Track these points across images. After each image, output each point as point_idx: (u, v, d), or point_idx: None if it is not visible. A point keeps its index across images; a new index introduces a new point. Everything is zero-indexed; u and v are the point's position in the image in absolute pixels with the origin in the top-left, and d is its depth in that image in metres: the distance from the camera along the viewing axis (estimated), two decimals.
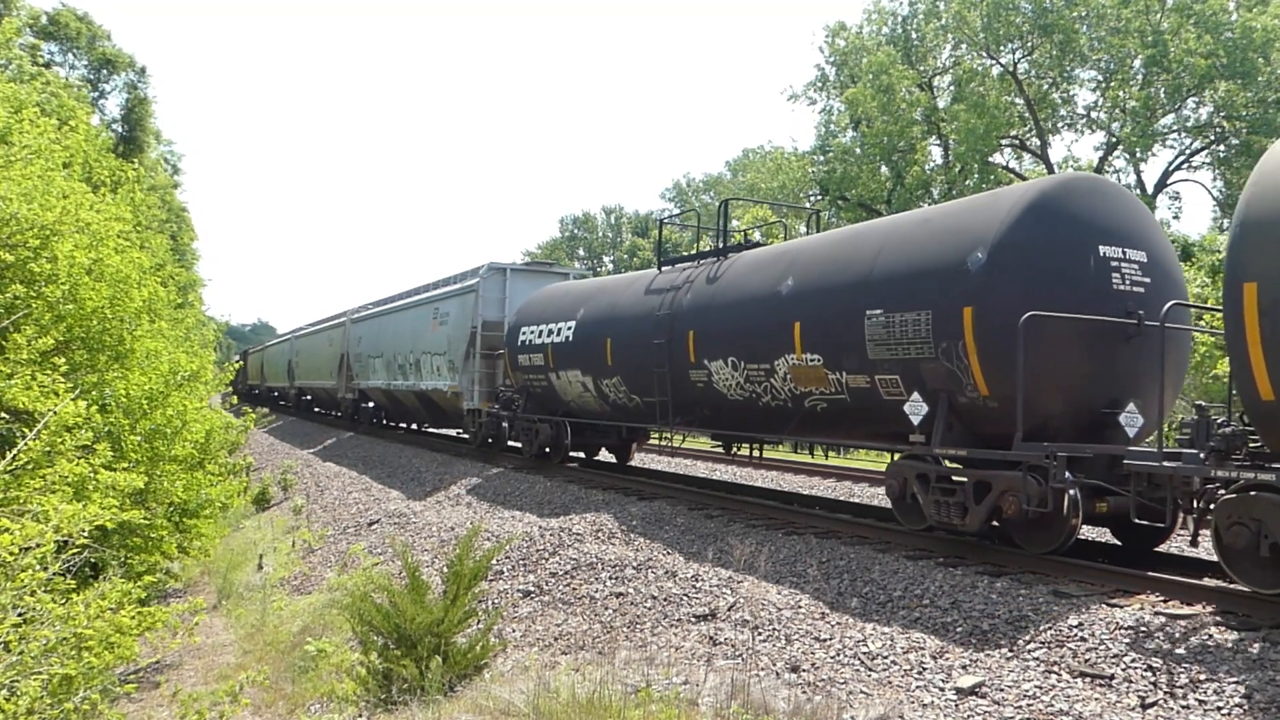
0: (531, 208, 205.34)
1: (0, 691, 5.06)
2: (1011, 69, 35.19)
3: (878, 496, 13.62)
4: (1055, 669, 6.01)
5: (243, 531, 18.24)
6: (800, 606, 7.85)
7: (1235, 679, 5.42)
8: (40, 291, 9.18)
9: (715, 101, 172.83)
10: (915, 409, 8.70)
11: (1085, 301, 7.83)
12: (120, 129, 37.84)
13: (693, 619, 8.17)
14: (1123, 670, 5.81)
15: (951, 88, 37.35)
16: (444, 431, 25.45)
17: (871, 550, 8.99)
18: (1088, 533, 9.26)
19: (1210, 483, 6.70)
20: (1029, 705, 5.64)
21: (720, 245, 12.94)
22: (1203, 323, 16.46)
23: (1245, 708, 5.17)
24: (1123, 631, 6.23)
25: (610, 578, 9.63)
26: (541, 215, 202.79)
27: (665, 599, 8.73)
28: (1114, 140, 34.86)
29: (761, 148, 60.56)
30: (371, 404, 29.46)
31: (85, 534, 6.00)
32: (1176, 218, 50.21)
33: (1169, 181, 35.88)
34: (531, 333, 15.95)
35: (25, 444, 6.54)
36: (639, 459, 18.99)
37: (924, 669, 6.38)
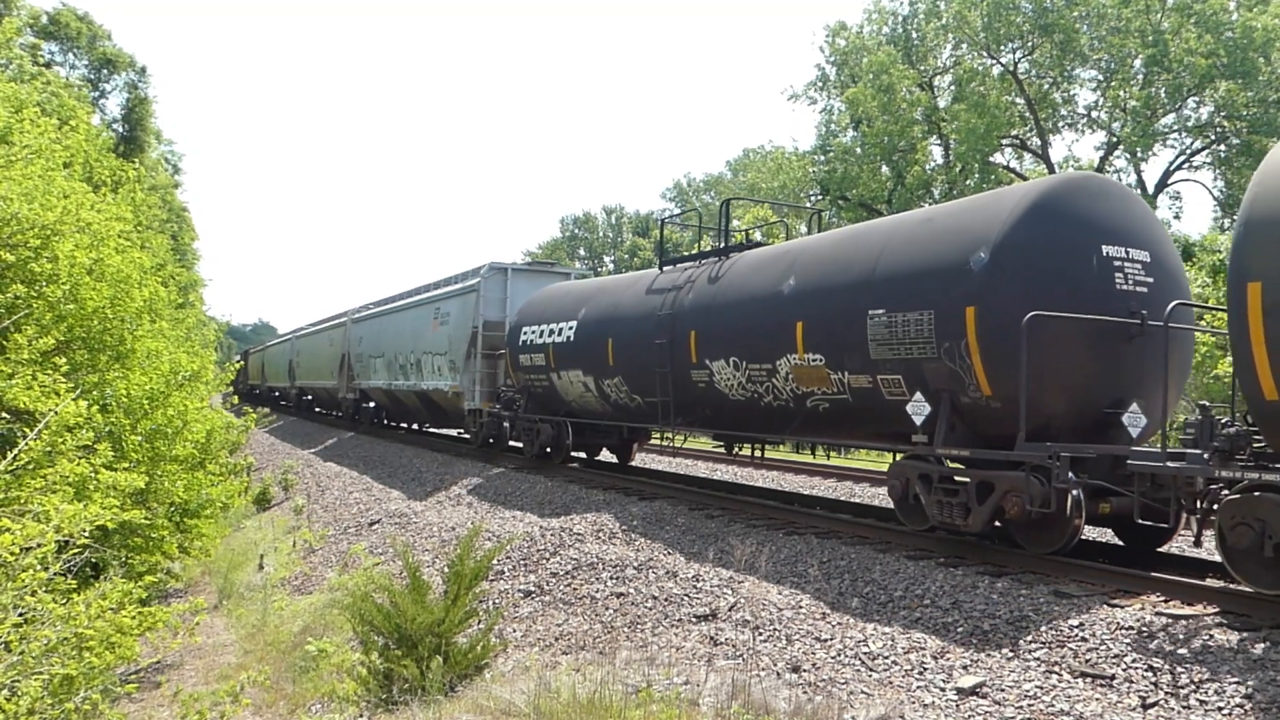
0: (531, 208, 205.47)
1: (1, 691, 5.06)
2: (1012, 69, 35.17)
3: (878, 496, 13.61)
4: (1056, 669, 6.01)
5: (243, 531, 18.24)
6: (801, 606, 7.85)
7: (1236, 679, 5.41)
8: (41, 291, 9.18)
9: (715, 101, 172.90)
10: (918, 409, 8.69)
11: (1088, 301, 7.82)
12: (120, 129, 37.84)
13: (693, 619, 8.17)
14: (1123, 670, 5.80)
15: (952, 87, 37.33)
16: (445, 432, 25.45)
17: (872, 550, 8.99)
18: (1090, 533, 9.25)
19: (1214, 483, 6.69)
20: (1030, 705, 5.64)
21: (722, 245, 12.93)
22: (1203, 323, 16.46)
23: (1246, 708, 5.16)
24: (1123, 632, 6.23)
25: (611, 578, 9.63)
26: (541, 215, 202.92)
27: (666, 599, 8.73)
28: (1114, 140, 34.84)
29: (762, 148, 60.59)
30: (372, 404, 29.46)
31: (86, 534, 5.99)
32: (1177, 218, 50.18)
33: (1169, 181, 35.88)
34: (533, 333, 15.95)
35: (26, 444, 6.54)
36: (639, 459, 18.98)
37: (925, 669, 6.38)
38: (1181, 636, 6.08)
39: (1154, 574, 7.26)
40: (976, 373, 8.03)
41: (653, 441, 17.42)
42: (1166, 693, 5.47)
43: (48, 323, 9.07)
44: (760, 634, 7.53)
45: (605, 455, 17.91)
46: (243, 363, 48.22)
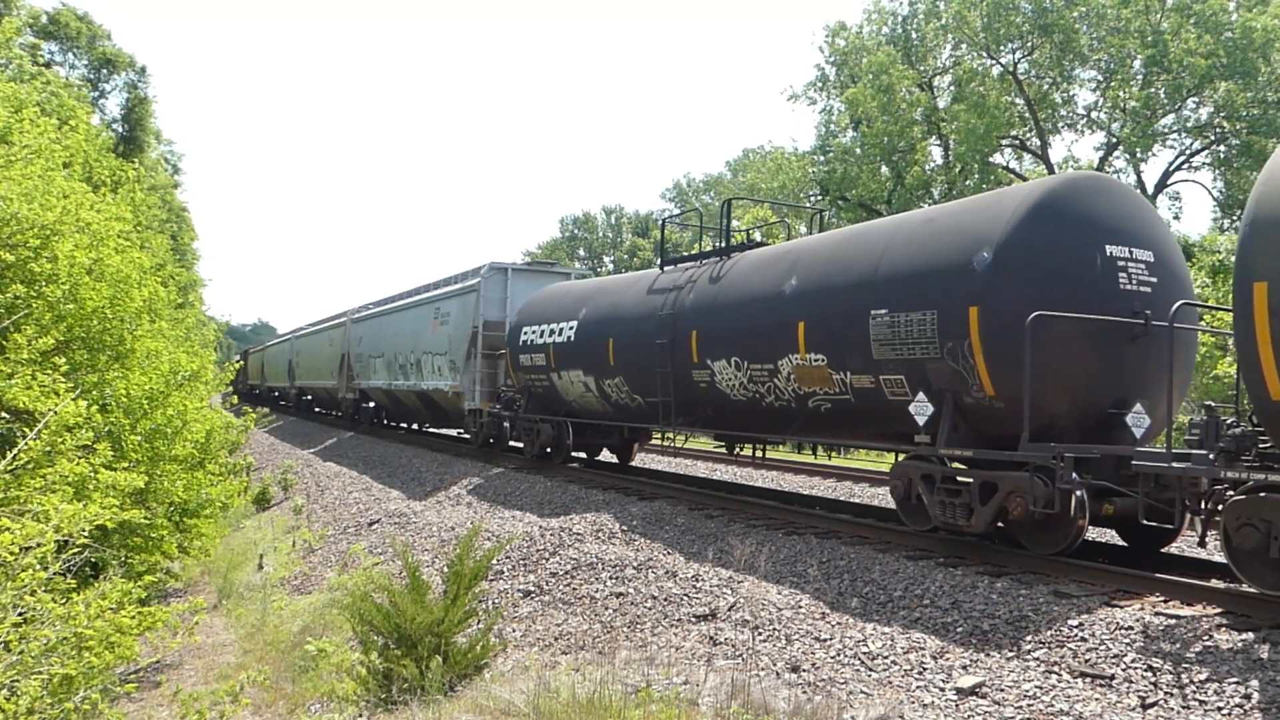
0: (531, 208, 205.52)
1: (0, 691, 5.06)
2: (1011, 69, 35.18)
3: (878, 496, 13.62)
4: (1055, 669, 6.01)
5: (243, 531, 18.24)
6: (800, 606, 7.84)
7: (1236, 679, 5.41)
8: (40, 291, 9.18)
9: (715, 101, 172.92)
10: (920, 409, 8.69)
11: (1091, 301, 7.81)
12: (120, 129, 37.83)
13: (693, 619, 8.17)
14: (1123, 670, 5.80)
15: (951, 88, 37.34)
16: (445, 432, 25.46)
17: (872, 550, 8.99)
18: (1093, 534, 9.24)
19: (1218, 484, 6.67)
20: (1029, 705, 5.64)
21: (723, 245, 12.92)
22: (1203, 323, 16.47)
23: (1246, 708, 5.16)
24: (1123, 632, 6.23)
25: (610, 578, 9.63)
26: (541, 215, 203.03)
27: (665, 599, 8.73)
28: (1114, 140, 34.85)
29: (761, 148, 60.60)
30: (372, 404, 29.46)
31: (85, 534, 5.99)
32: (1177, 218, 50.11)
33: (1169, 182, 35.89)
34: (533, 332, 15.95)
35: (25, 444, 6.54)
36: (639, 459, 18.98)
37: (924, 669, 6.38)
38: (1181, 637, 6.07)
39: (1154, 574, 7.26)
40: (979, 373, 8.02)
41: (653, 442, 17.41)
42: (1166, 693, 5.47)
43: (47, 323, 9.07)
44: (760, 634, 7.53)
45: (606, 455, 17.91)
46: (242, 363, 48.18)
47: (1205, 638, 6.01)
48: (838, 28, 39.77)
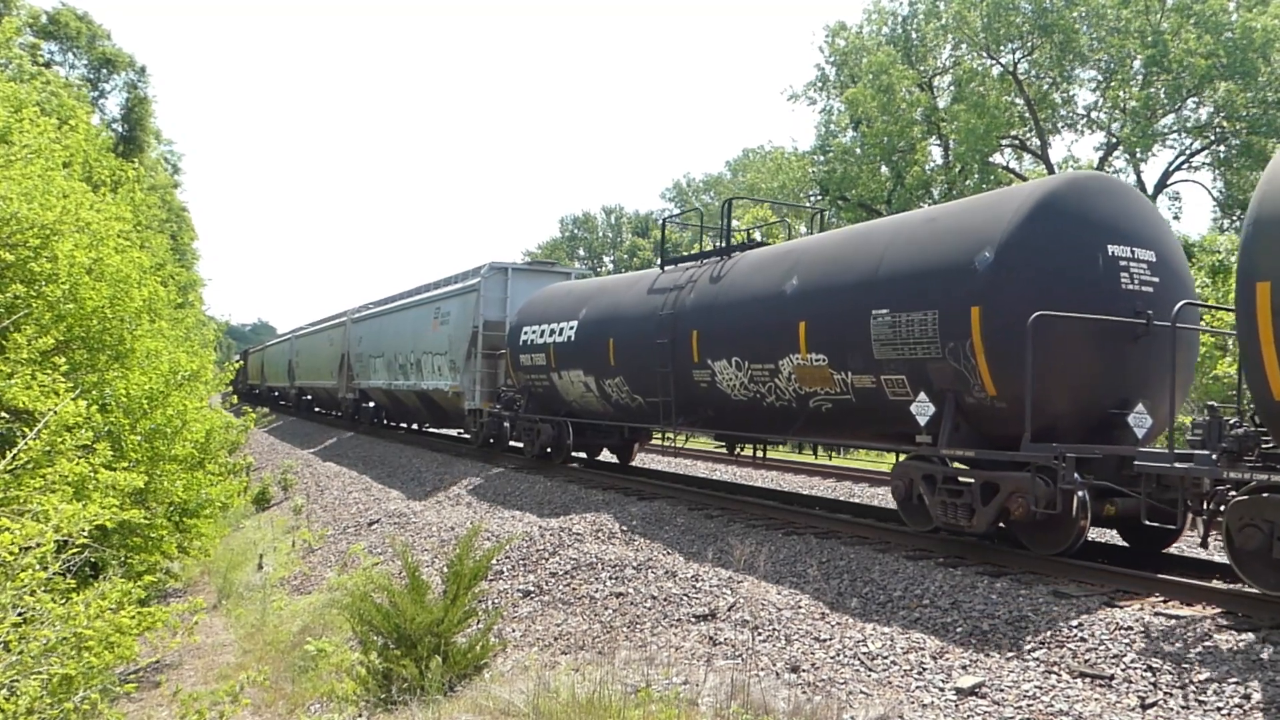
0: (531, 208, 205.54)
1: (0, 691, 5.06)
2: (1011, 69, 35.17)
3: (878, 497, 13.62)
4: (1055, 669, 6.01)
5: (243, 531, 18.23)
6: (800, 606, 7.84)
7: (1236, 679, 5.41)
8: (40, 291, 9.18)
9: (715, 101, 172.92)
10: (922, 409, 8.68)
11: (1093, 301, 7.79)
12: (120, 128, 37.83)
13: (693, 619, 8.16)
14: (1122, 670, 5.80)
15: (951, 88, 37.33)
16: (445, 431, 25.45)
17: (871, 550, 8.98)
18: (1094, 534, 9.24)
19: (1220, 484, 6.65)
20: (1029, 705, 5.64)
21: (724, 244, 12.92)
22: (1203, 323, 16.46)
23: (1245, 708, 5.16)
24: (1123, 632, 6.23)
25: (610, 578, 9.62)
26: (541, 215, 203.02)
27: (665, 599, 8.73)
28: (1114, 140, 34.84)
29: (761, 148, 60.57)
30: (372, 404, 29.45)
31: (85, 534, 5.99)
32: (1177, 218, 50.09)
33: (1169, 182, 35.88)
34: (533, 332, 15.94)
35: (25, 444, 6.54)
36: (639, 459, 18.98)
37: (924, 669, 6.38)
38: (1181, 637, 6.07)
39: (1154, 574, 7.25)
40: (981, 373, 8.01)
41: (654, 442, 17.41)
42: (1166, 693, 5.47)
43: (47, 322, 9.07)
44: (759, 634, 7.53)
45: (606, 455, 17.91)
46: (242, 362, 48.16)
47: (1205, 638, 6.01)
48: (838, 28, 39.77)
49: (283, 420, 40.94)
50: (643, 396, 13.21)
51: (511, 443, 18.73)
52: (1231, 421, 6.54)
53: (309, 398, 40.13)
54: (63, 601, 5.70)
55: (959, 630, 6.85)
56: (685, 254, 14.56)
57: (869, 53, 37.58)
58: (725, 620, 7.97)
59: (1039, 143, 36.10)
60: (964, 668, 6.29)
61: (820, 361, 9.68)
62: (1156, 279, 8.15)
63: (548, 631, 8.90)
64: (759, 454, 12.99)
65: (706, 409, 12.08)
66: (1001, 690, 5.87)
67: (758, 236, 14.28)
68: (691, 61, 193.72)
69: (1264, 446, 6.37)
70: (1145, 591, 7.04)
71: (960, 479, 8.60)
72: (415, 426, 28.19)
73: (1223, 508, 6.58)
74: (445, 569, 8.38)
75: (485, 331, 18.94)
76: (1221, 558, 7.59)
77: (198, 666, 10.68)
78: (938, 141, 38.43)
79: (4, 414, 7.83)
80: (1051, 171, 34.28)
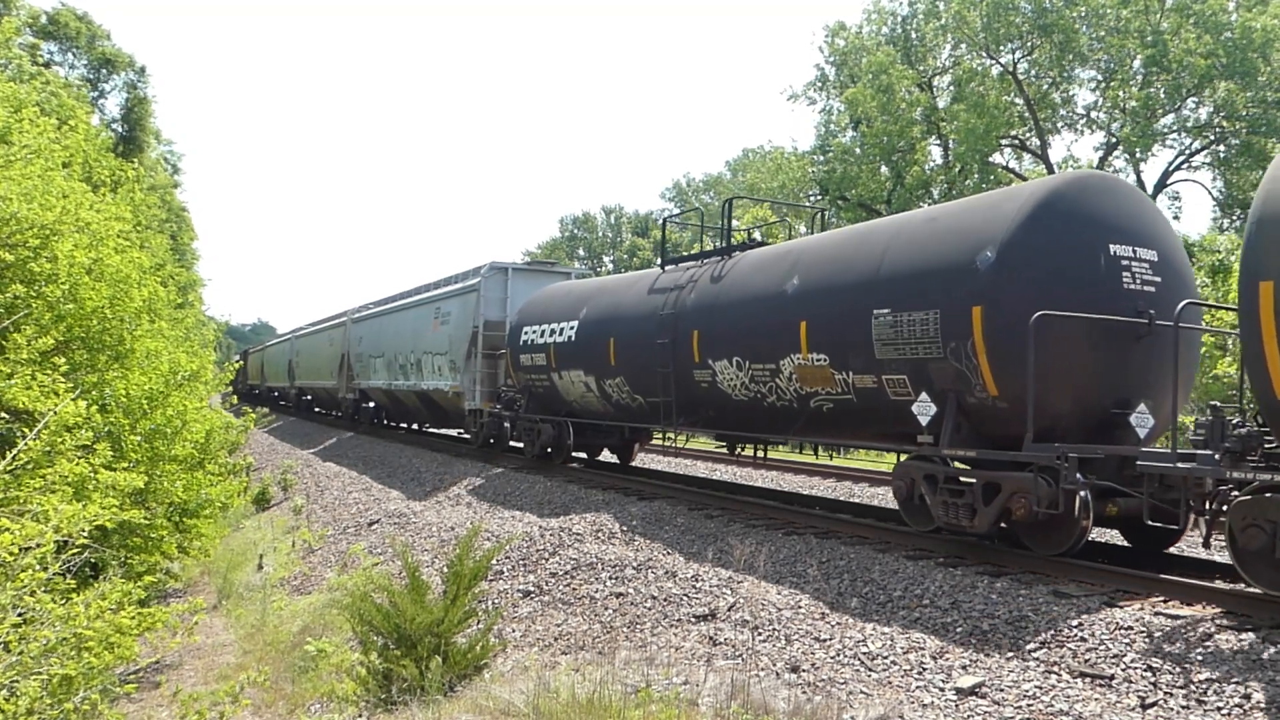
0: (531, 208, 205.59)
1: (0, 691, 5.06)
2: (1011, 69, 35.18)
3: (878, 496, 13.61)
4: (1055, 669, 6.01)
5: (243, 531, 18.23)
6: (800, 606, 7.84)
7: (1236, 679, 5.41)
8: (40, 291, 9.18)
9: (715, 101, 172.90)
10: (923, 409, 8.67)
11: (1095, 300, 7.78)
12: (120, 129, 37.82)
13: (693, 619, 8.16)
14: (1122, 670, 5.80)
15: (951, 88, 37.33)
16: (445, 432, 25.45)
17: (871, 550, 8.98)
18: (1095, 534, 9.24)
19: (1223, 484, 6.64)
20: (1029, 705, 5.64)
21: (724, 244, 12.91)
22: (1203, 322, 16.44)
23: (1245, 708, 5.16)
24: (1123, 632, 6.23)
25: (610, 578, 9.62)
26: (541, 215, 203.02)
27: (665, 599, 8.73)
28: (1114, 140, 34.84)
29: (761, 148, 60.54)
30: (372, 404, 29.45)
31: (85, 534, 5.99)
32: (1176, 218, 50.10)
33: (1169, 181, 35.88)
34: (534, 332, 15.94)
35: (25, 444, 6.54)
36: (639, 459, 18.99)
37: (924, 669, 6.37)
38: (1181, 637, 6.07)
39: (1154, 574, 7.25)
40: (983, 373, 8.00)
41: (654, 442, 17.40)
42: (1166, 693, 5.47)
43: (47, 323, 9.08)
44: (759, 634, 7.53)
45: (606, 455, 17.91)
46: (242, 363, 48.16)
47: (1206, 638, 6.00)
48: (837, 28, 39.77)
49: (283, 420, 40.94)
50: (643, 396, 13.20)
51: (512, 443, 18.72)
52: (1235, 421, 6.52)
53: (309, 398, 40.12)
54: (63, 602, 5.70)
55: (959, 630, 6.85)
56: (686, 254, 14.55)
57: (869, 53, 37.58)
58: (725, 620, 7.97)
59: (1039, 143, 36.10)
60: (964, 668, 6.29)
61: (821, 361, 9.67)
62: (1158, 278, 8.13)
63: (548, 631, 8.90)
64: (759, 454, 12.98)
65: (707, 409, 12.08)
66: (1001, 690, 5.87)
67: (758, 236, 14.28)
68: (691, 61, 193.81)
69: (1267, 446, 6.35)
70: (1145, 591, 7.03)
71: (962, 479, 8.59)
72: (415, 426, 28.19)
73: (1225, 508, 6.57)
74: (445, 569, 8.38)
75: (485, 331, 18.94)
76: (1223, 558, 7.59)
77: (198, 667, 10.67)
78: (937, 141, 38.44)
79: (4, 414, 7.83)
80: (1051, 171, 34.28)
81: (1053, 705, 5.57)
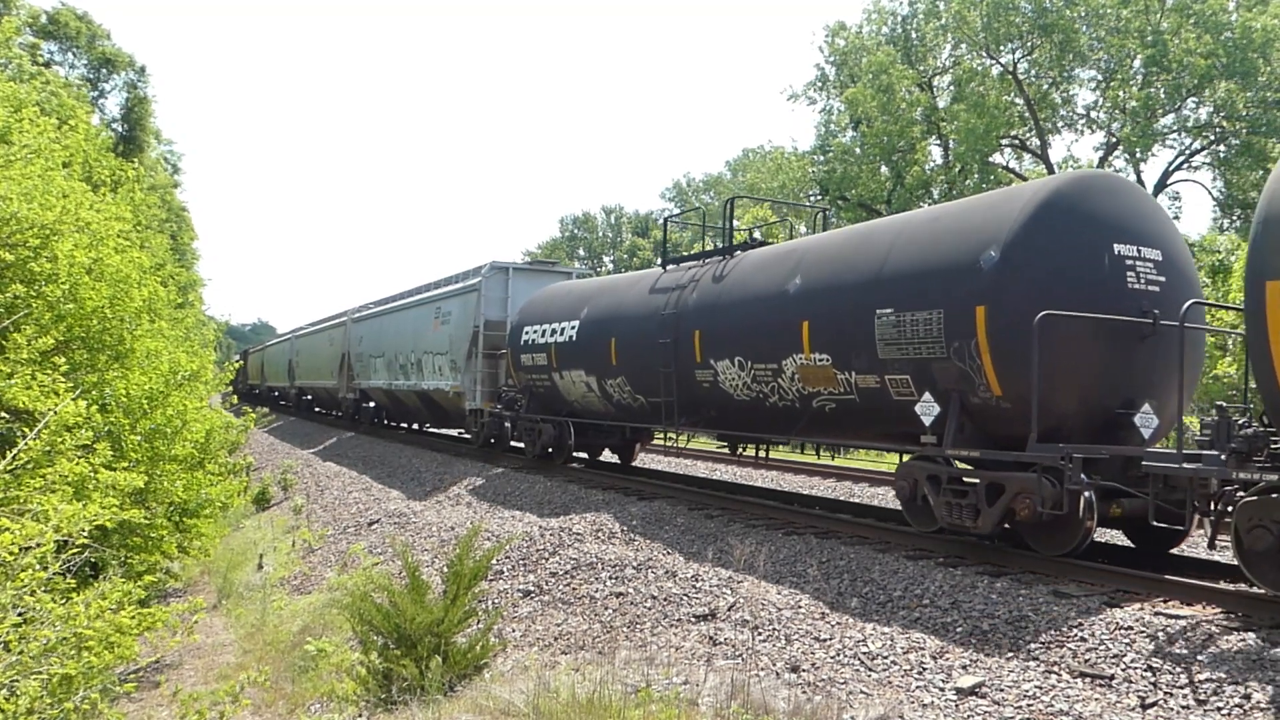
0: (531, 208, 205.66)
1: (0, 691, 5.05)
2: (1011, 69, 35.17)
3: (878, 496, 13.61)
4: (1055, 669, 6.00)
5: (243, 531, 18.23)
6: (800, 606, 7.84)
7: (1235, 679, 5.41)
8: (40, 291, 9.18)
9: (715, 101, 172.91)
10: (927, 409, 8.65)
11: (1100, 300, 7.76)
12: (120, 128, 37.81)
13: (693, 619, 8.16)
14: (1123, 670, 5.80)
15: (951, 88, 37.33)
16: (445, 432, 25.45)
17: (871, 550, 8.98)
18: (1098, 534, 9.23)
19: (1228, 485, 6.62)
20: (1029, 705, 5.63)
21: (726, 244, 12.89)
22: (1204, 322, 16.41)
23: (1245, 708, 5.16)
24: (1123, 632, 6.22)
25: (610, 578, 9.62)
26: (541, 215, 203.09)
27: (665, 599, 8.72)
28: (1114, 140, 34.83)
29: (761, 148, 60.55)
30: (372, 404, 29.45)
31: (85, 534, 5.99)
32: (1177, 218, 50.12)
33: (1169, 181, 35.87)
34: (534, 332, 15.93)
35: (25, 444, 6.54)
36: (639, 459, 18.98)
37: (924, 669, 6.37)
38: (1182, 636, 6.07)
39: (1154, 575, 7.24)
40: (986, 372, 7.98)
41: (655, 442, 17.40)
42: (1166, 693, 5.47)
43: (47, 322, 9.08)
44: (759, 634, 7.53)
45: (607, 455, 17.90)
46: (242, 362, 48.17)
47: (1206, 638, 6.00)
48: (837, 28, 39.77)
49: (283, 420, 40.94)
50: (645, 396, 13.20)
51: (512, 443, 18.72)
52: (1240, 422, 6.50)
53: (309, 398, 40.12)
54: (63, 601, 5.70)
55: (959, 630, 6.85)
56: (687, 253, 14.54)
57: (869, 53, 37.58)
58: (725, 620, 7.96)
59: (1039, 142, 36.10)
60: (964, 667, 6.28)
61: (824, 361, 9.66)
62: (1162, 278, 8.11)
63: (548, 631, 8.89)
64: (761, 454, 12.97)
65: (709, 409, 12.07)
66: (1001, 690, 5.87)
67: (758, 236, 14.28)
68: (691, 61, 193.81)
69: (1273, 447, 6.32)
70: (1146, 591, 7.03)
71: (965, 479, 8.57)
72: (415, 426, 28.18)
73: (1231, 509, 6.55)
74: (445, 569, 8.38)
75: (486, 331, 18.93)
76: (1224, 558, 7.58)
77: (198, 666, 10.67)
78: (938, 141, 38.43)
79: (4, 414, 7.83)
80: (1051, 171, 34.28)
81: (1053, 705, 5.57)
